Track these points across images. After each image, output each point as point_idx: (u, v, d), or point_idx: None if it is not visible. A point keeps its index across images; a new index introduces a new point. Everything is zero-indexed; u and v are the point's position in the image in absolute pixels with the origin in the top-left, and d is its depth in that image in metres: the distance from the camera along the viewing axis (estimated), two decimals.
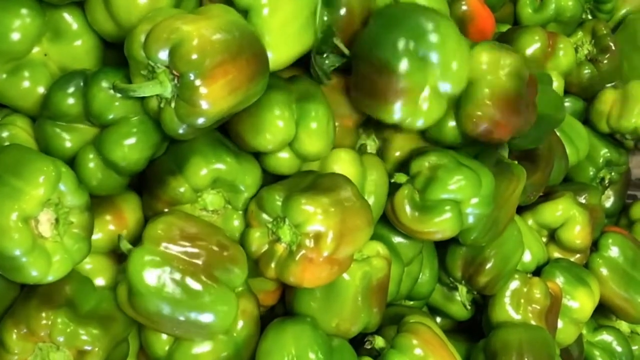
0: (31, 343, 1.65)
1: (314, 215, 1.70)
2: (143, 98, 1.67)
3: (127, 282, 1.63)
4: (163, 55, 1.57)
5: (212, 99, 1.58)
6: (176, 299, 1.63)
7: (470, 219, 1.95)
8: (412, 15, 1.90)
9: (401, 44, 1.84)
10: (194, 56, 1.55)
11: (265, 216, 1.78)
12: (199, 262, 1.66)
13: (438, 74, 1.87)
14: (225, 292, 1.68)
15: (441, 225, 1.92)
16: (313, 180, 1.83)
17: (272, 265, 1.77)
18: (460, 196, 1.91)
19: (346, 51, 1.97)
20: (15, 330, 1.64)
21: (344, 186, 1.82)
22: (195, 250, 1.66)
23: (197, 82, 1.56)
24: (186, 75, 1.56)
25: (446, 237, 1.98)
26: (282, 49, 1.80)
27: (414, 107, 1.87)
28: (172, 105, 1.61)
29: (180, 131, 1.65)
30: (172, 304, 1.63)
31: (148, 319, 1.68)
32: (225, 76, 1.59)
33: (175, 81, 1.58)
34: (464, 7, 2.36)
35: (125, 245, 1.69)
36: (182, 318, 1.65)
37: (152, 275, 1.62)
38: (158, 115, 1.67)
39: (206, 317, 1.66)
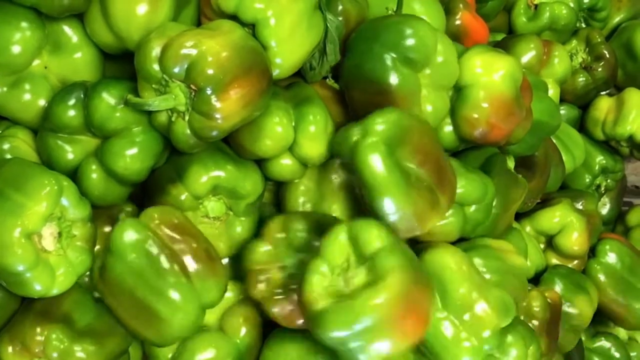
0: (27, 358, 1.65)
1: None
2: (151, 112, 1.68)
3: (107, 245, 1.65)
4: (178, 69, 1.59)
5: (228, 112, 1.61)
6: (142, 273, 1.63)
7: (471, 224, 1.96)
8: (385, 27, 1.92)
9: (385, 57, 1.87)
10: (213, 71, 1.58)
11: (281, 237, 1.77)
12: (182, 256, 1.66)
13: (428, 72, 1.91)
14: (192, 296, 1.66)
15: (444, 228, 1.93)
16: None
17: (261, 286, 1.75)
18: (464, 200, 1.92)
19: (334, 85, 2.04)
20: (11, 347, 1.65)
21: None
22: (182, 245, 1.67)
23: (215, 97, 1.59)
24: (204, 90, 1.58)
25: (448, 240, 1.96)
26: (293, 53, 1.81)
27: (419, 112, 1.89)
28: (186, 118, 1.63)
29: (190, 144, 1.67)
30: (136, 276, 1.63)
31: (109, 290, 1.66)
32: (241, 91, 1.62)
33: (192, 95, 1.60)
34: (458, 22, 2.38)
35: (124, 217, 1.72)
36: (139, 296, 1.63)
37: (131, 240, 1.63)
38: (167, 128, 1.68)
39: (161, 306, 1.63)
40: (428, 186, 1.73)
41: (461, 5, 2.39)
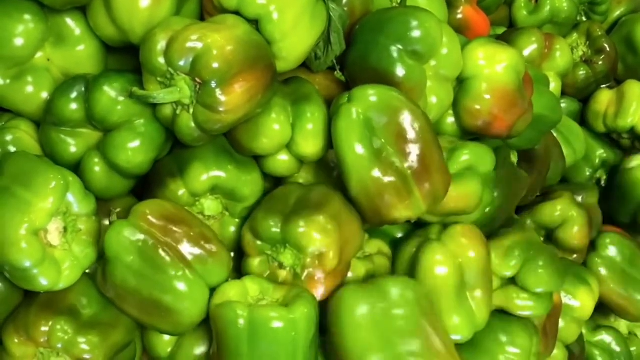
0: (32, 348, 1.65)
1: (314, 237, 1.70)
2: (155, 104, 1.68)
3: (103, 252, 1.65)
4: (183, 62, 1.59)
5: (232, 106, 1.61)
6: (143, 272, 1.63)
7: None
8: (391, 19, 1.93)
9: (391, 49, 1.87)
10: (218, 64, 1.58)
11: (262, 244, 1.77)
12: (178, 245, 1.66)
13: (433, 64, 1.93)
14: (196, 282, 1.66)
15: (465, 189, 1.92)
16: (302, 197, 1.81)
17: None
18: (476, 166, 1.93)
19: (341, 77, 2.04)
20: (16, 337, 1.65)
21: (333, 197, 1.81)
22: (177, 234, 1.67)
23: (219, 90, 1.58)
24: (209, 83, 1.58)
25: (472, 206, 1.95)
26: (298, 46, 1.82)
27: (424, 104, 1.90)
28: (190, 111, 1.63)
29: (194, 137, 1.67)
30: (138, 276, 1.63)
31: (116, 293, 1.67)
32: (245, 85, 1.62)
33: (197, 88, 1.60)
34: (460, 16, 2.39)
35: (113, 219, 1.70)
36: (146, 295, 1.64)
37: (125, 243, 1.63)
38: (172, 121, 1.68)
39: (169, 299, 1.64)
40: (401, 173, 1.74)
41: None
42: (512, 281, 2.01)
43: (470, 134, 2.06)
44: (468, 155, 1.92)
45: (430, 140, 1.79)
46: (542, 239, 2.44)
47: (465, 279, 1.87)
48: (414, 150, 1.75)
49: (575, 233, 2.36)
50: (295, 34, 1.77)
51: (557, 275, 2.01)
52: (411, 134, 1.75)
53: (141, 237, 1.64)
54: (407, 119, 1.75)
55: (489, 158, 1.96)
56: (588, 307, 2.28)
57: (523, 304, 2.02)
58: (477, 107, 1.97)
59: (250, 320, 1.56)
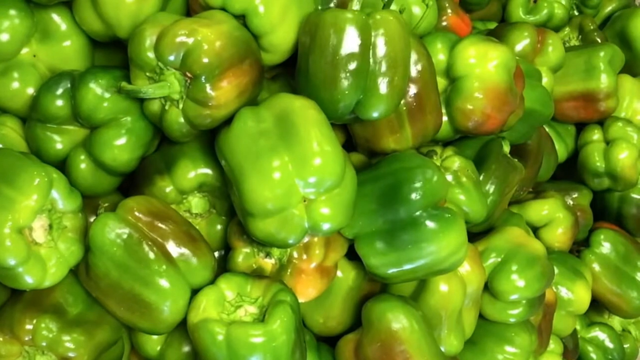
0: (17, 346, 1.64)
1: None
2: (143, 100, 1.67)
3: (87, 244, 1.65)
4: (174, 57, 1.58)
5: (223, 100, 1.61)
6: (126, 265, 1.63)
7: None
8: None
9: None
10: (210, 59, 1.57)
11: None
12: (163, 242, 1.65)
13: None
14: (179, 280, 1.65)
15: None
16: None
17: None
18: (469, 220, 1.94)
19: None
20: (1, 335, 1.64)
21: None
22: (163, 231, 1.66)
23: (210, 85, 1.58)
24: (200, 78, 1.57)
25: None
26: (286, 37, 1.80)
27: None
28: (179, 106, 1.62)
29: (183, 132, 1.66)
30: (121, 268, 1.63)
31: (97, 286, 1.66)
32: (235, 79, 1.62)
33: (187, 83, 1.59)
34: (444, 23, 2.40)
35: (101, 212, 1.70)
36: (127, 288, 1.63)
37: (110, 235, 1.63)
38: (159, 116, 1.67)
39: (150, 295, 1.63)
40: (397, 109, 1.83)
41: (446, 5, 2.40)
42: (486, 287, 2.02)
43: (462, 133, 2.04)
44: (464, 196, 1.91)
45: (430, 82, 1.88)
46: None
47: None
48: (412, 89, 1.84)
49: (558, 235, 2.38)
50: (283, 27, 1.76)
51: (534, 280, 2.00)
52: (413, 73, 1.84)
53: (127, 230, 1.63)
54: (411, 59, 1.82)
55: (482, 212, 1.95)
56: (584, 301, 2.29)
57: (497, 313, 2.03)
58: (470, 107, 1.95)
59: (228, 339, 1.54)
